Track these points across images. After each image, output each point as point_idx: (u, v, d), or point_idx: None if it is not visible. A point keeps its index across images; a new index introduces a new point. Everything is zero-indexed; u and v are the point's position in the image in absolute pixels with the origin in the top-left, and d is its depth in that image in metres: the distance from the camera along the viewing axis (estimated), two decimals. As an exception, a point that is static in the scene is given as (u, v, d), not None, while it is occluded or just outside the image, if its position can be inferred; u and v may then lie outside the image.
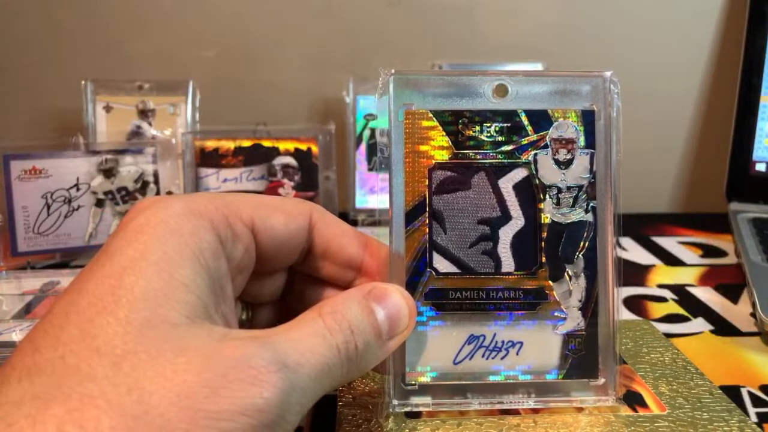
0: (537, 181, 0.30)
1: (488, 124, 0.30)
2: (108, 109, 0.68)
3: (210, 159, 0.64)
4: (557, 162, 0.30)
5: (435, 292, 0.30)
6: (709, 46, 0.76)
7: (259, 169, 0.65)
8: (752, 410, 0.34)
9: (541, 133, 0.30)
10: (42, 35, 0.74)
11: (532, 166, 0.30)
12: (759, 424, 0.31)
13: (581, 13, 0.75)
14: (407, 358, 0.30)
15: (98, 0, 0.73)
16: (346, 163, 0.68)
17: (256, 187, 0.65)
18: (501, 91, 0.30)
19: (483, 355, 0.30)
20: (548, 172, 0.30)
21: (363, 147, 0.69)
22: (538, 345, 0.30)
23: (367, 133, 0.69)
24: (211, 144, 0.65)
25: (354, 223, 0.68)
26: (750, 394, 0.36)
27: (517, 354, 0.30)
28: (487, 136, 0.30)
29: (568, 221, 0.30)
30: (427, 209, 0.30)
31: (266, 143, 0.65)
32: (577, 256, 0.30)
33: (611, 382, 0.30)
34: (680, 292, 0.51)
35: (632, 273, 0.55)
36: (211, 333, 0.21)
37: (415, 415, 0.30)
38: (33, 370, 0.19)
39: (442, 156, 0.30)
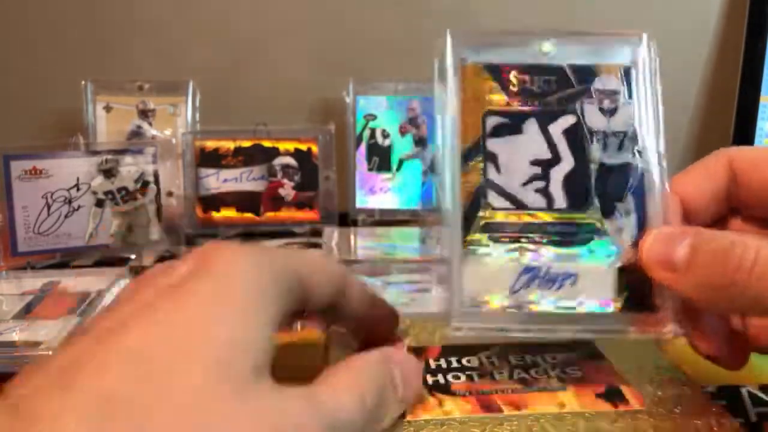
0: (585, 127, 0.32)
1: (537, 77, 0.32)
2: (108, 109, 0.68)
3: (210, 159, 0.64)
4: (602, 110, 0.32)
5: (491, 225, 0.31)
6: (709, 47, 0.76)
7: (259, 169, 0.65)
8: (752, 410, 0.34)
9: (586, 86, 0.32)
10: (42, 35, 0.74)
11: (580, 114, 0.32)
12: (759, 424, 0.31)
13: (581, 13, 0.75)
14: (466, 286, 0.30)
15: (98, 0, 0.73)
16: (346, 163, 0.69)
17: (256, 187, 0.65)
18: (548, 48, 0.32)
19: (539, 286, 0.30)
20: (595, 119, 0.32)
21: (363, 147, 0.69)
22: (593, 278, 0.30)
23: (367, 133, 0.69)
24: (211, 144, 0.65)
25: (354, 223, 0.68)
26: (750, 393, 0.36)
27: (572, 286, 0.30)
28: (536, 88, 0.32)
29: (617, 163, 0.32)
30: (482, 150, 0.31)
31: (266, 143, 0.65)
32: (626, 194, 0.31)
33: (669, 314, 0.30)
34: (680, 292, 0.51)
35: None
36: (272, 393, 0.22)
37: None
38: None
39: (496, 106, 0.32)
